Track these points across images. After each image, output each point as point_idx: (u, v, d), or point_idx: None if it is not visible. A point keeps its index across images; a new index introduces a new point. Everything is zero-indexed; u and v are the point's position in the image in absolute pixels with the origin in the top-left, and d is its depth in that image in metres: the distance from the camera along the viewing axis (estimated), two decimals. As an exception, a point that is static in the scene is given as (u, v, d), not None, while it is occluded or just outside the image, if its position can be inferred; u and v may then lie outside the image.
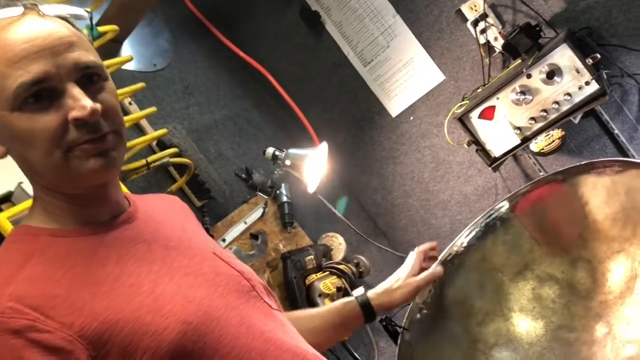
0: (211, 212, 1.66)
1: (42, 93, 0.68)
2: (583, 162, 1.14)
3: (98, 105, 0.69)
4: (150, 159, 1.36)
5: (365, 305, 1.11)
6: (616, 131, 1.75)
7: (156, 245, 0.79)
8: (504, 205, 1.28)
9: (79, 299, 0.66)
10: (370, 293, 1.14)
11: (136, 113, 1.45)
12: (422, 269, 1.19)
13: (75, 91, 0.69)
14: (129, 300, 0.69)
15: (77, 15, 0.77)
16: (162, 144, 1.55)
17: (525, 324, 1.23)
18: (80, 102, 0.68)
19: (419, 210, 2.21)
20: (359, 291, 1.13)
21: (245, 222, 1.70)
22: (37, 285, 0.66)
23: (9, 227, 1.03)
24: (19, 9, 0.70)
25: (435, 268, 1.18)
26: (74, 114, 0.68)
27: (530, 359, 1.18)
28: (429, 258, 1.23)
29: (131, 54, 1.48)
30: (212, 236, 1.53)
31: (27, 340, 0.61)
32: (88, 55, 0.72)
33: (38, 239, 0.73)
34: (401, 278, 1.16)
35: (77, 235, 0.75)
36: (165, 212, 0.92)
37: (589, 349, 1.09)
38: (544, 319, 1.21)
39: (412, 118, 2.08)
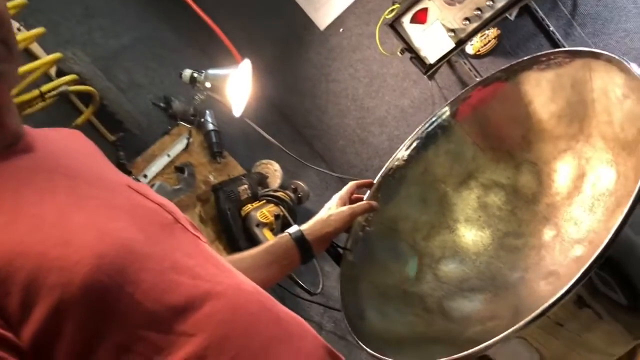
0: (128, 146, 1.50)
1: None
2: (526, 57, 1.05)
3: None
4: (44, 88, 1.18)
5: (299, 238, 1.01)
6: (552, 28, 1.68)
7: (59, 175, 0.68)
8: (445, 112, 1.19)
9: None
10: (303, 225, 1.05)
11: (23, 34, 1.24)
12: (355, 200, 1.13)
13: None
14: (30, 232, 0.59)
15: None
16: (62, 74, 1.36)
17: (472, 235, 1.17)
18: None
19: (356, 129, 2.12)
20: (293, 228, 1.04)
21: (169, 155, 1.56)
22: None
23: None
24: None
25: (371, 200, 1.13)
26: None
27: (478, 269, 1.13)
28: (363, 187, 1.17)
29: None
30: (129, 172, 1.40)
31: None
32: None
33: None
34: (332, 207, 1.08)
35: None
36: (67, 145, 0.80)
37: (537, 254, 1.04)
38: (490, 228, 1.16)
39: (341, 30, 1.94)
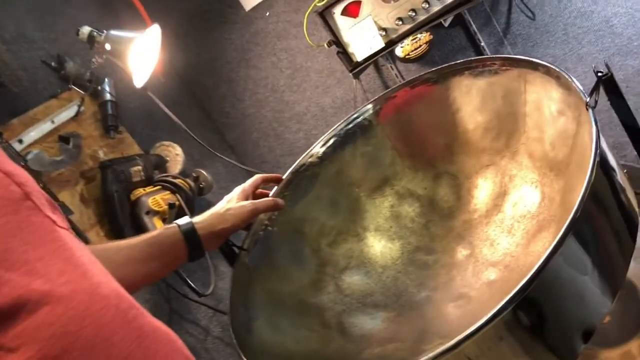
0: (4, 105, 1.28)
1: None
2: (459, 61, 0.98)
3: None
4: None
5: (189, 232, 0.87)
6: (482, 44, 1.64)
7: None
8: (368, 110, 1.09)
9: None
10: (196, 218, 0.91)
11: None
12: (259, 195, 1.00)
13: None
14: None
15: None
16: None
17: (380, 245, 1.08)
18: None
19: (272, 122, 1.99)
20: (184, 219, 0.89)
21: (53, 122, 1.35)
22: None
23: None
24: None
25: (278, 197, 1.02)
26: None
27: (383, 283, 1.04)
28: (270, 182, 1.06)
29: None
30: (0, 134, 1.18)
31: None
32: None
33: None
34: (232, 199, 0.95)
35: None
36: None
37: (448, 273, 0.97)
38: (400, 240, 1.07)
39: (268, 14, 1.81)
